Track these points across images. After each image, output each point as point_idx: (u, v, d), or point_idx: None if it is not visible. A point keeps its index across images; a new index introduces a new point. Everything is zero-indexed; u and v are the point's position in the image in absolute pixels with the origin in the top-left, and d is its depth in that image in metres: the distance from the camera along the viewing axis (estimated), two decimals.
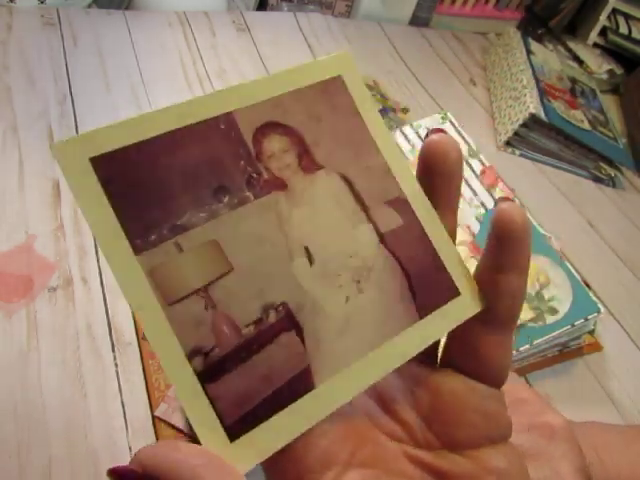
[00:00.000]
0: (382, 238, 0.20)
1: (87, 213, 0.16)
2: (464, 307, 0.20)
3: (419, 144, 0.51)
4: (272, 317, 0.18)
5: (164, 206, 0.17)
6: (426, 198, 0.20)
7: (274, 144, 0.19)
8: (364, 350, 0.18)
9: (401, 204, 0.20)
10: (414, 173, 0.21)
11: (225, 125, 0.18)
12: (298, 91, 0.20)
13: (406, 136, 0.53)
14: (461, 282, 0.20)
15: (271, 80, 0.20)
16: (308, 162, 0.20)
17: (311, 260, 0.19)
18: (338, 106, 0.21)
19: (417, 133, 0.53)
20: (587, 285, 0.46)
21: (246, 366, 0.17)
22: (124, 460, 0.35)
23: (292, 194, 0.19)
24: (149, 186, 0.17)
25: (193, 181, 0.18)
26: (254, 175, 0.19)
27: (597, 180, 0.71)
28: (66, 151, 0.17)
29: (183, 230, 0.17)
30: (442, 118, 0.53)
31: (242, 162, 0.18)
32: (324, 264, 0.19)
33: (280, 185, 0.19)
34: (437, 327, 0.19)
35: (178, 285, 0.17)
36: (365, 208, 0.20)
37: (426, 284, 0.20)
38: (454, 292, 0.20)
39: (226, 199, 0.18)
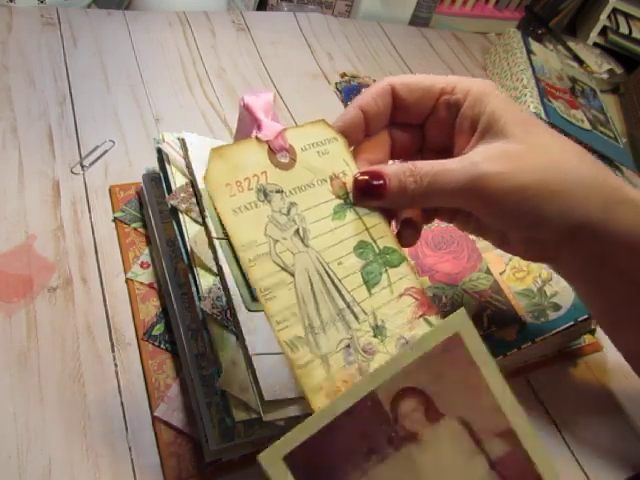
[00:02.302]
0: (493, 465, 0.25)
1: None
2: None
3: None
4: None
5: (332, 475, 0.23)
6: (530, 426, 0.25)
7: (406, 406, 0.24)
8: None
9: (508, 434, 0.25)
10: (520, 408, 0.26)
11: (371, 402, 0.24)
12: (424, 356, 0.25)
13: None
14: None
15: (403, 353, 0.25)
16: (433, 413, 0.25)
17: None
18: (457, 360, 0.25)
19: None
20: None
21: None
22: (124, 460, 0.35)
23: (421, 443, 0.24)
24: (321, 464, 0.23)
25: (350, 451, 0.23)
26: (393, 434, 0.24)
27: None
28: (268, 457, 0.23)
29: None
30: None
31: (383, 426, 0.24)
32: None
33: (412, 438, 0.24)
34: None
35: None
36: (479, 442, 0.25)
37: None
38: None
39: (373, 458, 0.24)
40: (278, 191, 0.28)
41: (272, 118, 0.30)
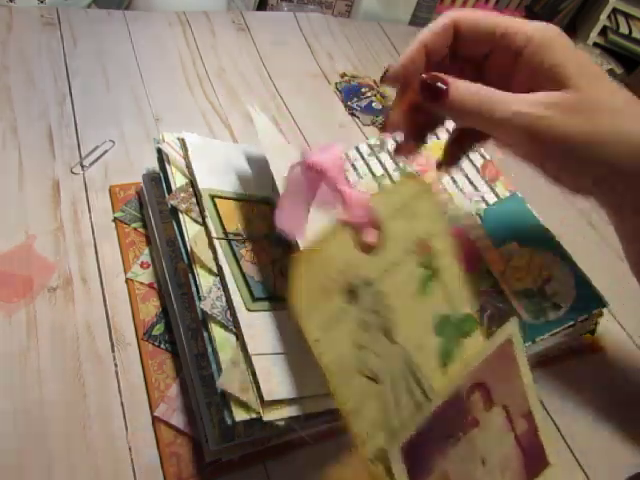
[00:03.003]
0: (518, 440, 0.31)
1: None
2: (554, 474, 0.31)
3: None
4: None
5: (427, 460, 0.28)
6: (540, 407, 0.32)
7: (475, 398, 0.29)
8: None
9: (529, 415, 0.31)
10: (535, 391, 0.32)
11: (456, 395, 0.29)
12: (488, 357, 0.30)
13: None
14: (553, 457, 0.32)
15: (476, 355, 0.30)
16: (489, 403, 0.30)
17: (484, 464, 0.29)
18: (506, 357, 0.31)
19: None
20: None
21: None
22: (124, 460, 0.35)
23: (480, 428, 0.29)
24: (420, 451, 0.28)
25: (438, 437, 0.28)
26: (464, 420, 0.29)
27: None
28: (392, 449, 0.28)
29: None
30: None
31: (459, 415, 0.29)
32: (492, 464, 0.30)
33: (476, 424, 0.29)
34: None
35: None
36: (511, 422, 0.31)
37: (533, 466, 0.31)
38: (547, 463, 0.32)
39: (450, 441, 0.29)
40: (366, 283, 0.25)
41: (340, 173, 0.26)
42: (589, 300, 0.42)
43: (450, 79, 0.31)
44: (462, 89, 0.31)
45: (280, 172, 0.35)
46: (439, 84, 0.31)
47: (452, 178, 0.49)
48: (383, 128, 0.36)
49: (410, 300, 0.28)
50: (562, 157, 0.31)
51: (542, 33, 0.31)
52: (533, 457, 0.31)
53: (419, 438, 0.27)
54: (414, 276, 0.29)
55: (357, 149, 0.53)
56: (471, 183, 0.49)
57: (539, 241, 0.44)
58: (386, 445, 0.26)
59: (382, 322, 0.27)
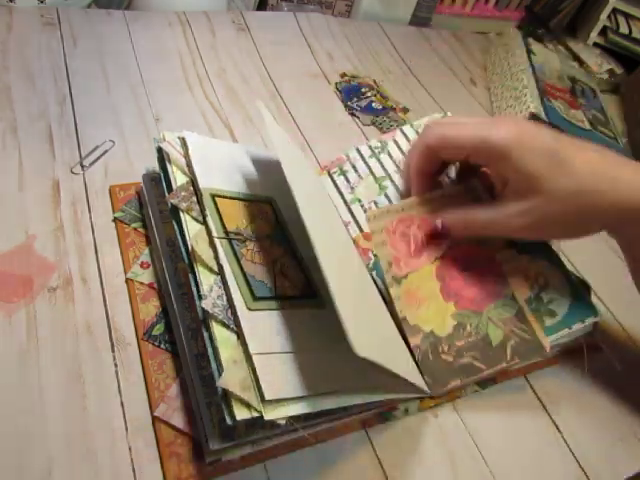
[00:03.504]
0: None
1: None
2: None
3: None
4: None
5: None
6: None
7: None
8: None
9: None
10: None
11: None
12: None
13: (406, 136, 0.53)
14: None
15: None
16: None
17: None
18: None
19: (417, 132, 0.53)
20: (587, 287, 0.45)
21: None
22: (124, 460, 0.35)
23: None
24: None
25: None
26: None
27: None
28: None
29: None
30: (442, 118, 0.52)
31: None
32: None
33: None
34: None
35: None
36: None
37: None
38: None
39: None
40: None
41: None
42: (582, 309, 0.43)
43: (439, 220, 0.43)
44: (449, 219, 0.43)
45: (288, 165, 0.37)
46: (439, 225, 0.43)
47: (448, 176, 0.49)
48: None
49: None
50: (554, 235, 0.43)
51: (502, 145, 0.38)
52: None
53: None
54: None
55: (358, 150, 0.53)
56: None
57: (537, 250, 0.44)
58: None
59: None
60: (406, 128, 0.54)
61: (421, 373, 0.40)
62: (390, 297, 0.42)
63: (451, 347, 0.41)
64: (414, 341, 0.41)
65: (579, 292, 0.43)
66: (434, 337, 0.41)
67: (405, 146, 0.52)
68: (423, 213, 0.44)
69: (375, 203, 0.49)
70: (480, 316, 0.42)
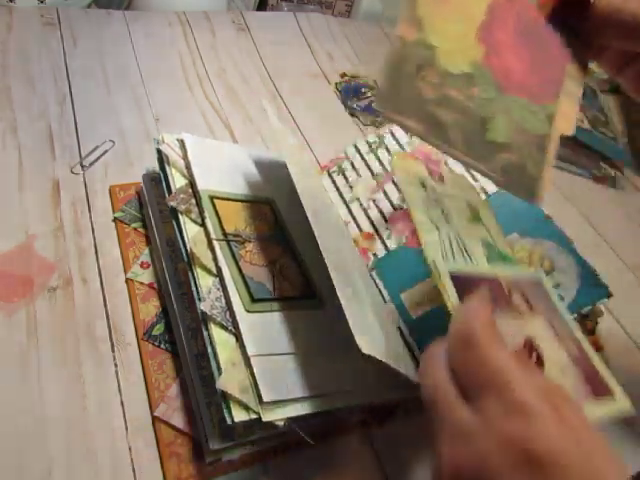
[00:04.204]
0: (573, 360, 0.32)
1: None
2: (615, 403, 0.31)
3: (417, 141, 0.51)
4: None
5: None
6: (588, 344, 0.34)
7: (516, 298, 0.33)
8: None
9: (576, 341, 0.34)
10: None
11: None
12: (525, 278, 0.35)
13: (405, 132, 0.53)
14: (612, 386, 0.32)
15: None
16: (529, 306, 0.33)
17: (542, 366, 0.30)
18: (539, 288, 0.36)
19: None
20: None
21: None
22: (124, 460, 0.35)
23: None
24: None
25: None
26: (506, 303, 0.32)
27: (597, 180, 0.71)
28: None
29: None
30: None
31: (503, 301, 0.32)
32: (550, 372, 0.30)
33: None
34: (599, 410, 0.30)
35: None
36: (558, 336, 0.33)
37: (594, 386, 0.31)
38: (608, 391, 0.32)
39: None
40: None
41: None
42: (593, 290, 0.40)
43: None
44: None
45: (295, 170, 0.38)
46: None
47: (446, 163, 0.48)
48: None
49: (465, 221, 0.38)
50: None
51: None
52: (591, 378, 0.31)
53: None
54: (466, 208, 0.39)
55: (355, 147, 0.53)
56: (470, 174, 0.48)
57: (541, 231, 0.42)
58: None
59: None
60: None
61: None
62: None
63: (442, 86, 0.28)
64: (403, 31, 0.29)
65: (589, 274, 0.41)
66: (430, 50, 0.28)
67: (403, 138, 0.52)
68: None
69: (374, 201, 0.49)
70: (500, 96, 0.29)
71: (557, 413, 0.22)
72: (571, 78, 0.31)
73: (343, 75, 0.74)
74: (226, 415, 0.31)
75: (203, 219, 0.39)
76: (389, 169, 0.51)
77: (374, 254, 0.46)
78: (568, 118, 0.31)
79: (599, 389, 0.31)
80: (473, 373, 0.24)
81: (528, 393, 0.22)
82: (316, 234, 0.34)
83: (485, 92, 0.28)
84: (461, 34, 0.29)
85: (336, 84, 0.72)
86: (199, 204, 0.40)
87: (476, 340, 0.24)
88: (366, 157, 0.52)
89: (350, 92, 0.71)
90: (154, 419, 0.37)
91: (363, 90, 0.73)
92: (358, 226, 0.48)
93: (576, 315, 0.41)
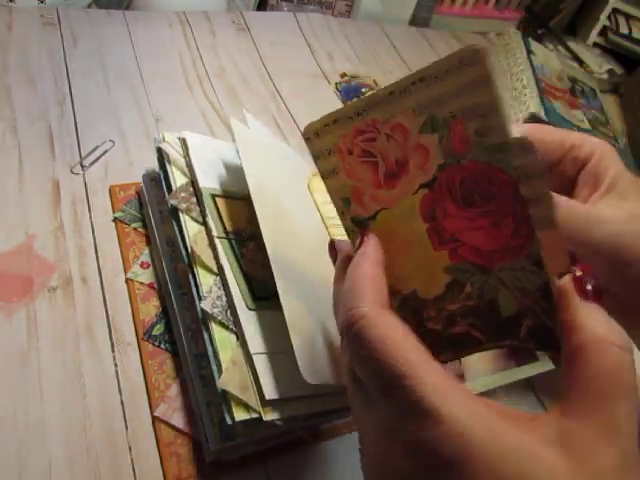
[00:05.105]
0: None
1: None
2: None
3: None
4: None
5: None
6: None
7: None
8: None
9: None
10: None
11: None
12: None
13: None
14: None
15: None
16: None
17: None
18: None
19: None
20: None
21: None
22: (124, 460, 0.35)
23: None
24: None
25: None
26: None
27: None
28: None
29: None
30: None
31: None
32: None
33: None
34: None
35: None
36: None
37: None
38: None
39: None
40: None
41: None
42: None
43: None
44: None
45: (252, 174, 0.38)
46: None
47: None
48: None
49: None
50: None
51: (603, 147, 0.34)
52: None
53: None
54: None
55: None
56: None
57: None
58: None
59: None
60: None
61: None
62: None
63: (441, 312, 0.29)
64: None
65: None
66: (416, 300, 0.29)
67: None
68: (397, 112, 0.28)
69: None
70: (488, 274, 0.28)
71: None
72: (536, 205, 0.26)
73: (343, 75, 0.74)
74: (226, 414, 0.31)
75: (204, 217, 0.39)
76: None
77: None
78: (558, 252, 0.27)
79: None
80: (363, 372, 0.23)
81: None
82: (264, 235, 0.35)
83: (476, 283, 0.28)
84: (423, 260, 0.28)
85: (336, 84, 0.72)
86: (200, 202, 0.40)
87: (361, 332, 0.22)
88: None
89: (350, 92, 0.71)
90: (154, 419, 0.37)
91: (363, 90, 0.73)
92: None
93: None
